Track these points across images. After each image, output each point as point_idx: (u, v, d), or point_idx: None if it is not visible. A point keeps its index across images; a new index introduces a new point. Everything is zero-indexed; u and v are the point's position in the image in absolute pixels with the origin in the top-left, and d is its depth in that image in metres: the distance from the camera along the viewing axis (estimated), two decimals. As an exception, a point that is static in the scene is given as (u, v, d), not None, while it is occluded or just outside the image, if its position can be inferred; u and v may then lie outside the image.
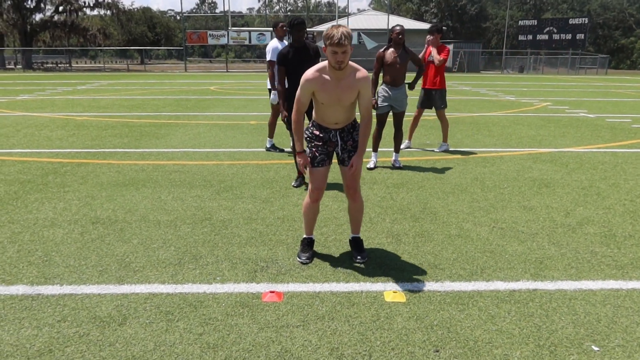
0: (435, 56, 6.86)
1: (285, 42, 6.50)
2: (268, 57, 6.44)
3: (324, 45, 2.99)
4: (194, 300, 2.86)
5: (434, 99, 7.17)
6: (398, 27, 5.82)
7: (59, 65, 45.67)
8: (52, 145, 7.43)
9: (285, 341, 2.46)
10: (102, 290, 2.97)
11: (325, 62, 3.09)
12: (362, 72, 3.11)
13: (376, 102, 5.99)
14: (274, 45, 6.48)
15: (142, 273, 3.19)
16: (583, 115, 11.84)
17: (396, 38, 5.80)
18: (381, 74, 6.09)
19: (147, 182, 5.41)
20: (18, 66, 42.86)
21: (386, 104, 6.00)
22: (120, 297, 2.89)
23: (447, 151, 7.33)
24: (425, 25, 42.57)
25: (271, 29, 38.92)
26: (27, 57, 40.26)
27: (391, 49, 5.89)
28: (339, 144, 3.28)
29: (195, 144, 7.63)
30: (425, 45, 7.03)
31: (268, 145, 7.23)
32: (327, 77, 3.08)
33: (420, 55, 6.90)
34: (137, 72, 37.67)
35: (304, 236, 3.51)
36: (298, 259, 3.40)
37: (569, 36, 41.00)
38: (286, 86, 5.00)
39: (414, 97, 15.70)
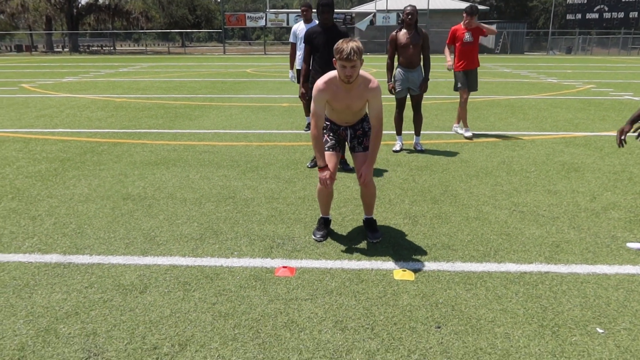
0: (489, 28, 6.68)
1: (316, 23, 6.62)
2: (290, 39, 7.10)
3: (334, 59, 3.03)
4: (210, 272, 3.01)
5: (470, 79, 6.88)
6: (409, 8, 5.73)
7: (104, 48, 47.07)
8: (92, 126, 7.77)
9: (293, 313, 2.58)
10: (127, 261, 3.16)
11: (335, 72, 3.14)
12: (373, 83, 3.16)
13: (394, 87, 5.96)
14: (294, 28, 6.98)
15: (165, 246, 3.38)
16: (628, 97, 11.37)
17: (406, 19, 5.71)
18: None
19: (177, 161, 5.62)
20: (65, 49, 44.43)
21: (404, 86, 5.97)
22: (143, 267, 3.07)
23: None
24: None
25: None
26: (73, 40, 41.70)
27: (404, 30, 5.81)
28: (349, 133, 3.47)
29: (227, 126, 7.82)
30: (464, 26, 6.68)
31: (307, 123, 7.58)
32: (337, 86, 3.15)
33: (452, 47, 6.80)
34: (178, 54, 38.41)
35: (321, 216, 3.61)
36: (313, 236, 3.51)
37: (621, 14, 39.04)
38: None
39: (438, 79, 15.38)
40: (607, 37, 42.05)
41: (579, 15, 40.93)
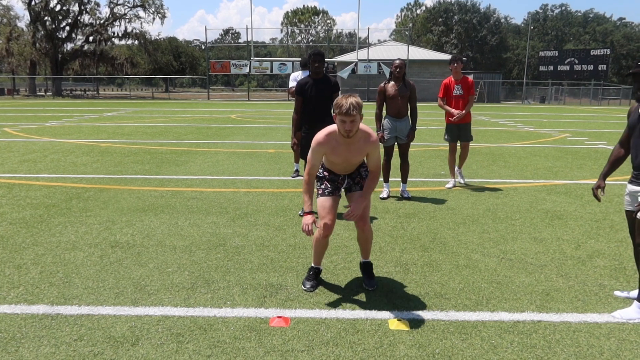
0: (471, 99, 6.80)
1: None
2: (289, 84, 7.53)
3: (333, 113, 3.13)
4: (204, 323, 2.97)
5: (461, 132, 6.96)
6: (397, 61, 5.95)
7: (87, 93, 47.22)
8: (77, 171, 7.72)
9: (290, 365, 2.54)
10: (118, 311, 3.10)
11: (335, 126, 3.20)
12: (373, 137, 3.24)
13: (383, 136, 6.11)
14: (294, 75, 7.36)
15: (156, 296, 3.32)
16: (602, 147, 11.78)
17: (394, 72, 5.94)
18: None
19: (165, 208, 5.60)
20: (48, 93, 44.45)
21: (392, 135, 6.12)
22: (134, 318, 3.01)
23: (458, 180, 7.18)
24: (446, 56, 42.97)
25: (292, 59, 39.83)
26: (57, 84, 41.78)
27: (392, 82, 6.03)
28: (347, 181, 3.51)
29: (214, 172, 7.84)
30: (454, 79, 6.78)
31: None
32: (337, 141, 3.21)
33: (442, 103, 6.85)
34: (162, 99, 38.70)
35: (312, 265, 3.60)
36: (302, 286, 3.49)
37: (590, 67, 40.88)
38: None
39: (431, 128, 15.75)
40: (578, 87, 43.85)
41: (550, 67, 42.72)
